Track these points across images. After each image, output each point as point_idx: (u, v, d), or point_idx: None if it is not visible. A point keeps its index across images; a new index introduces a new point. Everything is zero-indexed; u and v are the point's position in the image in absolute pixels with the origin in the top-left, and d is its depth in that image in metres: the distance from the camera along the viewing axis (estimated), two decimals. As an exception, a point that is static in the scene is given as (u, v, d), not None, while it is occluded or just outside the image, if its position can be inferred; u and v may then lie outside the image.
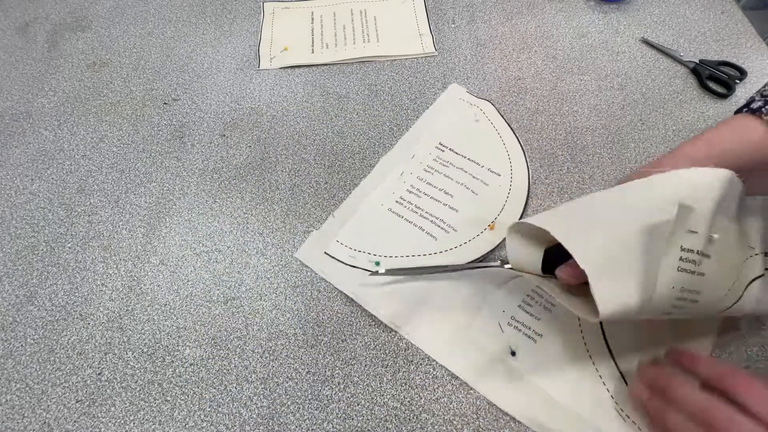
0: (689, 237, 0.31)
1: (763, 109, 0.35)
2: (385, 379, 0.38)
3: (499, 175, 0.49)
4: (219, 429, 0.37)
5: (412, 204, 0.47)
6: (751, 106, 0.36)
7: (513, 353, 0.39)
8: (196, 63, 0.59)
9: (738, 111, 0.38)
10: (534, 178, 0.48)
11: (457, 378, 0.38)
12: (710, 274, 0.32)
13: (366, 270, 0.43)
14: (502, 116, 0.53)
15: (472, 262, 0.43)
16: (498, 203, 0.47)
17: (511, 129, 0.52)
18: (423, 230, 0.45)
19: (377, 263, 0.44)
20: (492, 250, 0.44)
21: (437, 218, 0.46)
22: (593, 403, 0.36)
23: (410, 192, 0.48)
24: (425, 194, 0.48)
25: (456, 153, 0.50)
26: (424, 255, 0.44)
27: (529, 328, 0.40)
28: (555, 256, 0.36)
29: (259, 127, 0.53)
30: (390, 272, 0.42)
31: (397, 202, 0.47)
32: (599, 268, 0.31)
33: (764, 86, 0.39)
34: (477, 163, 0.49)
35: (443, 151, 0.50)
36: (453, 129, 0.52)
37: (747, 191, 0.35)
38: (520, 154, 0.50)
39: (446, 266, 0.42)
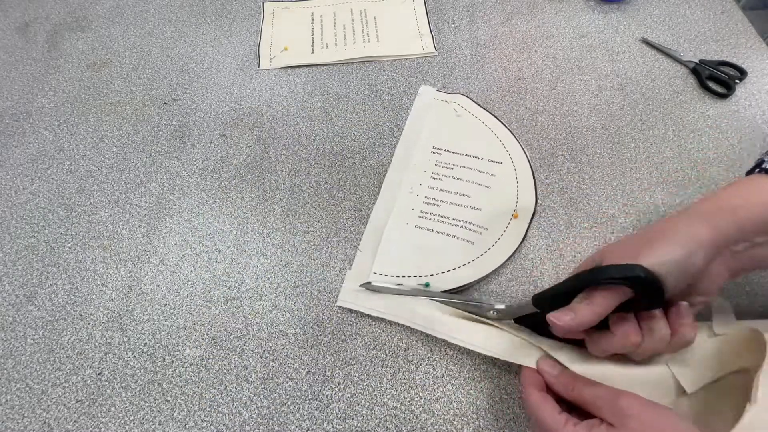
0: None
1: None
2: (385, 379, 0.38)
3: (501, 163, 0.49)
4: (219, 429, 0.37)
5: (435, 215, 0.46)
6: (763, 167, 0.35)
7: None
8: (196, 63, 0.59)
9: (749, 172, 0.36)
10: (534, 178, 0.48)
11: (457, 378, 0.38)
12: None
13: (419, 296, 0.40)
14: (479, 105, 0.53)
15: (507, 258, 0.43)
16: (512, 190, 0.47)
17: (492, 115, 0.52)
18: (458, 238, 0.44)
19: (427, 285, 0.41)
20: (522, 241, 0.44)
21: (466, 222, 0.45)
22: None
23: (428, 203, 0.47)
24: (443, 201, 0.47)
25: (452, 152, 0.50)
26: (469, 263, 0.42)
27: None
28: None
29: (259, 127, 0.53)
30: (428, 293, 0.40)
31: (420, 216, 0.46)
32: None
33: None
34: (477, 157, 0.49)
35: (440, 154, 0.50)
36: (439, 130, 0.52)
37: (754, 264, 0.32)
38: (509, 136, 0.50)
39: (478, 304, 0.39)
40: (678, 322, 0.31)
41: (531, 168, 0.48)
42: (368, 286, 0.41)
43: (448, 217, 0.46)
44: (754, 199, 0.31)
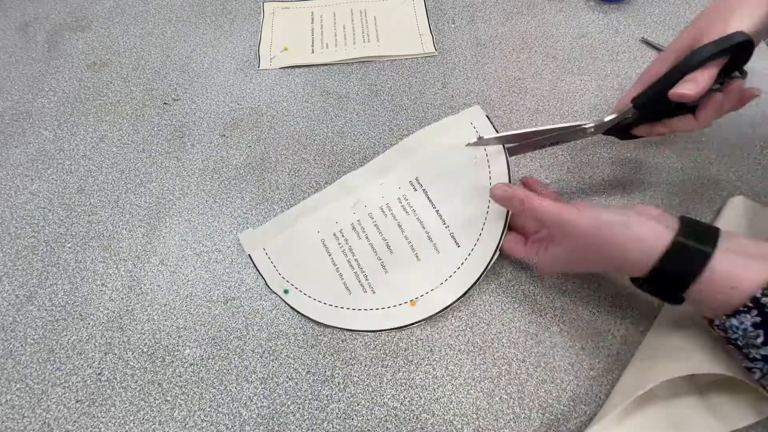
0: None
1: None
2: (385, 379, 0.38)
3: (458, 246, 0.42)
4: (219, 429, 0.37)
5: (347, 244, 0.43)
6: None
7: None
8: (196, 63, 0.59)
9: None
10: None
11: (457, 378, 0.38)
12: None
13: (275, 293, 0.42)
14: (509, 172, 0.42)
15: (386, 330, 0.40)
16: (434, 280, 0.41)
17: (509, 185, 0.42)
18: (342, 278, 0.42)
19: (286, 291, 0.42)
20: (405, 326, 0.40)
21: (362, 271, 0.42)
22: None
23: (353, 229, 0.44)
24: (366, 238, 0.43)
25: (427, 199, 0.44)
26: (331, 305, 0.41)
27: None
28: None
29: (259, 127, 0.53)
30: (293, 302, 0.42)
31: (334, 235, 0.44)
32: None
33: None
34: (443, 222, 0.43)
35: (415, 190, 0.44)
36: (440, 166, 0.44)
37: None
38: (500, 226, 0.41)
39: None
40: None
41: (482, 273, 0.41)
42: (250, 256, 0.44)
43: (353, 254, 0.43)
44: None
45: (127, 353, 0.40)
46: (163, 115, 0.54)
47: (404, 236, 0.43)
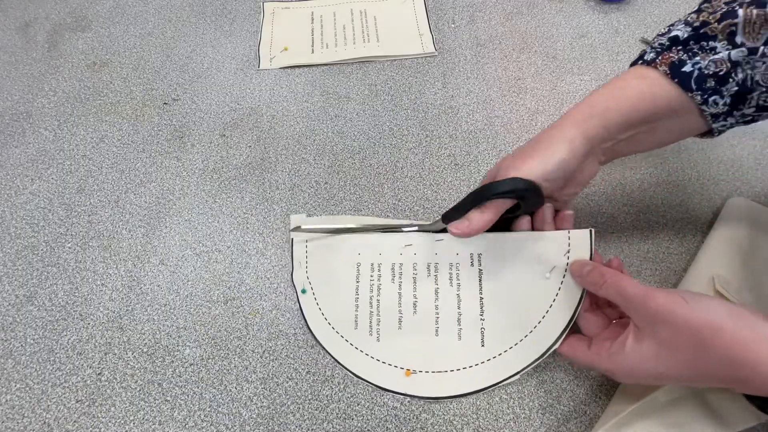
0: None
1: (657, 59, 0.34)
2: (385, 379, 0.38)
3: (482, 346, 0.38)
4: (219, 429, 0.37)
5: (378, 281, 0.40)
6: (645, 58, 0.36)
7: None
8: (196, 63, 0.59)
9: (633, 64, 0.37)
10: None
11: (457, 378, 0.38)
12: None
13: (294, 287, 0.42)
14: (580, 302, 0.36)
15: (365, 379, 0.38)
16: (439, 364, 0.38)
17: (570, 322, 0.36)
18: (356, 310, 0.40)
19: (303, 291, 0.41)
20: (388, 390, 0.38)
21: (378, 315, 0.40)
22: None
23: (391, 269, 0.40)
24: (399, 286, 0.40)
25: (479, 280, 0.39)
26: (334, 329, 0.40)
27: None
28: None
29: (259, 127, 0.53)
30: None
31: (371, 265, 0.41)
32: None
33: (654, 38, 0.38)
34: (481, 313, 0.38)
35: (471, 265, 0.39)
36: (511, 258, 0.38)
37: (618, 155, 0.37)
38: (541, 349, 0.36)
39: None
40: (541, 222, 0.37)
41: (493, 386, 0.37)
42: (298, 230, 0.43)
43: (378, 293, 0.40)
44: (622, 101, 0.34)
45: (127, 353, 0.40)
46: (163, 115, 0.54)
47: (435, 304, 0.39)
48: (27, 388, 0.38)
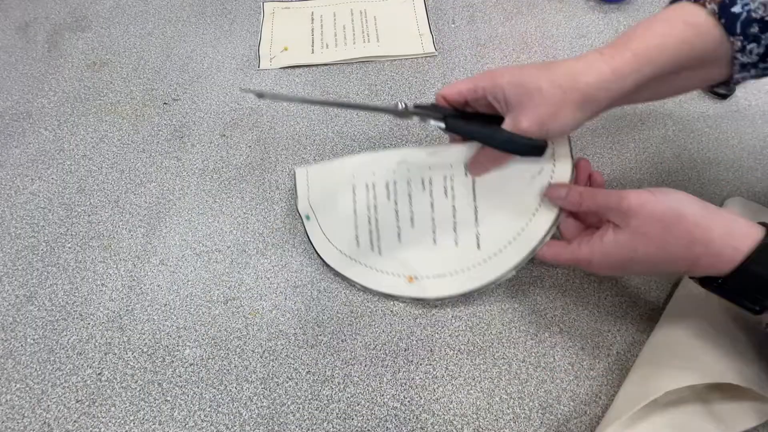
0: None
1: None
2: (385, 379, 0.38)
3: (479, 249, 0.40)
4: (219, 429, 0.37)
5: (375, 200, 0.42)
6: None
7: None
8: (196, 63, 0.59)
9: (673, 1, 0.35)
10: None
11: (457, 378, 0.38)
12: None
13: (299, 215, 0.45)
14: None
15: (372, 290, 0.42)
16: (440, 269, 0.41)
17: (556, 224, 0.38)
18: (356, 229, 0.42)
19: (308, 217, 0.44)
20: (394, 296, 0.41)
21: (378, 231, 0.42)
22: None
23: (386, 187, 0.42)
24: (395, 202, 0.42)
25: (472, 189, 0.41)
26: (338, 249, 0.42)
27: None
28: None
29: (259, 127, 0.53)
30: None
31: (366, 185, 0.42)
32: None
33: None
34: (475, 219, 0.41)
35: (465, 176, 0.41)
36: (501, 168, 0.40)
37: (664, 93, 0.37)
38: (532, 243, 0.38)
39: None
40: None
41: (494, 281, 0.40)
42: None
43: (375, 210, 0.42)
44: (661, 51, 0.33)
45: (127, 353, 0.40)
46: (163, 115, 0.54)
47: (432, 216, 0.41)
48: (27, 388, 0.38)
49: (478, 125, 0.38)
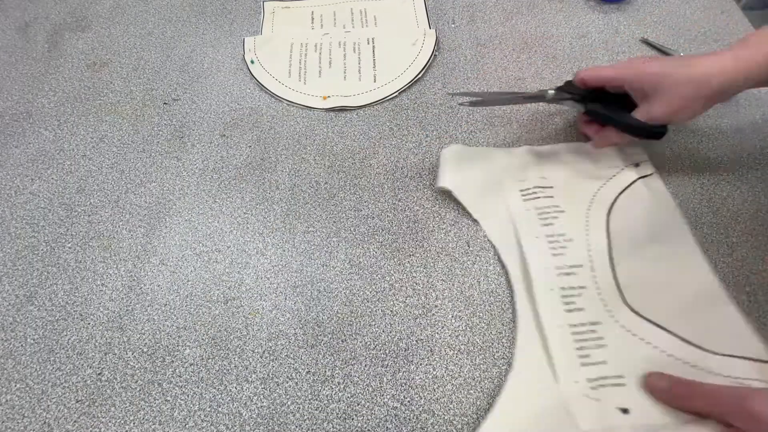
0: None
1: None
2: (385, 379, 0.38)
3: (375, 82, 0.56)
4: (219, 429, 0.37)
5: (306, 48, 0.60)
6: None
7: (625, 411, 0.34)
8: (196, 63, 0.59)
9: None
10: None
11: (457, 378, 0.38)
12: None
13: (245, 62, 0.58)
14: None
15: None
16: (345, 91, 0.55)
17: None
18: (289, 65, 0.58)
19: (252, 62, 0.58)
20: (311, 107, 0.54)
21: (304, 69, 0.58)
22: None
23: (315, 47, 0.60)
24: (329, 53, 0.59)
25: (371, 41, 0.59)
26: (279, 82, 0.57)
27: (607, 377, 0.36)
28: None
29: (259, 127, 0.53)
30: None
31: (301, 44, 0.60)
32: None
33: None
34: (373, 62, 0.58)
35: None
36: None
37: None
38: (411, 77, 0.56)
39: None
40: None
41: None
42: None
43: None
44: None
45: (127, 353, 0.40)
46: (163, 115, 0.54)
47: (344, 61, 0.58)
48: (27, 388, 0.38)
49: (612, 111, 0.44)
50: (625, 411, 0.34)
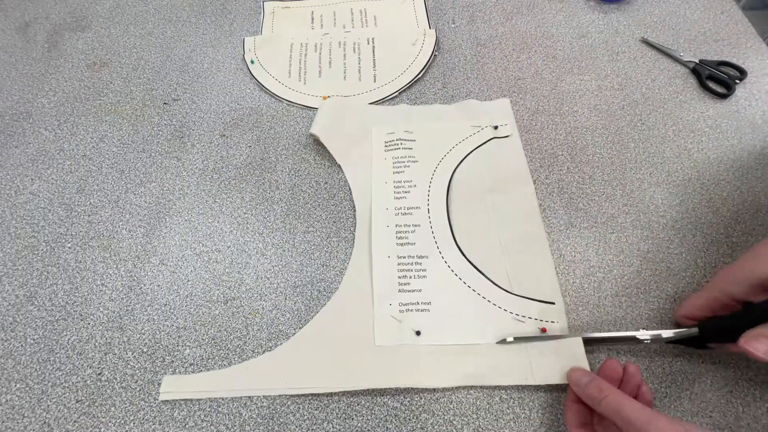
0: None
1: None
2: (385, 379, 0.38)
3: (375, 82, 0.56)
4: (219, 429, 0.37)
5: (305, 48, 0.60)
6: None
7: (418, 333, 0.39)
8: (196, 63, 0.59)
9: None
10: (534, 178, 0.48)
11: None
12: None
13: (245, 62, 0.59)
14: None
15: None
16: (344, 92, 0.55)
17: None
18: (290, 60, 0.59)
19: (252, 62, 0.58)
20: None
21: (305, 64, 0.59)
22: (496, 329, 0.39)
23: (315, 47, 0.60)
24: (328, 52, 0.59)
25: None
26: (279, 82, 0.56)
27: (417, 303, 0.41)
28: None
29: (259, 127, 0.53)
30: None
31: (301, 44, 0.61)
32: None
33: None
34: (373, 60, 0.58)
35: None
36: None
37: None
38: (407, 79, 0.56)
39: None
40: None
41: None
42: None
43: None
44: None
45: (127, 353, 0.40)
46: (163, 115, 0.54)
47: (344, 63, 0.58)
48: (27, 388, 0.38)
49: (731, 322, 0.34)
50: (418, 333, 0.39)
